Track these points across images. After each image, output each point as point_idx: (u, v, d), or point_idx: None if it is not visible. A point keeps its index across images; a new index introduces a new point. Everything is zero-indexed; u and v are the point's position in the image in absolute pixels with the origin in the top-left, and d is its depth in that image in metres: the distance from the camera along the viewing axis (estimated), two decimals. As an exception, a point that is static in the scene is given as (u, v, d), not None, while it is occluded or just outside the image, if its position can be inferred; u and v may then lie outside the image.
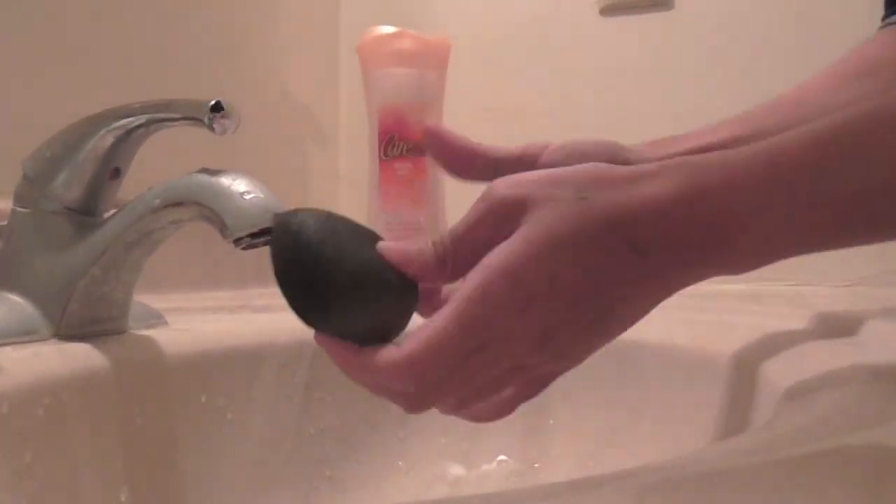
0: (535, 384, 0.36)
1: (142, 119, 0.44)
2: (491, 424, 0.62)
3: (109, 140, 0.45)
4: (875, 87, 0.44)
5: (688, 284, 0.32)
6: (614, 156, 0.40)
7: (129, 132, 0.45)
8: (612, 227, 0.30)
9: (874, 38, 0.54)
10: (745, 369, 0.45)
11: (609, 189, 0.30)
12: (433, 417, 0.63)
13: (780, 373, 0.39)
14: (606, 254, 0.30)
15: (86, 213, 0.46)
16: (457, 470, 0.61)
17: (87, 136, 0.45)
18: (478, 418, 0.37)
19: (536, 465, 0.59)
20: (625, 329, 0.33)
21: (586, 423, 0.59)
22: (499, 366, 0.32)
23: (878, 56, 0.49)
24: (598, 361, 0.59)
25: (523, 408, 0.61)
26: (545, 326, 0.31)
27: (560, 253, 0.30)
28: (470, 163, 0.40)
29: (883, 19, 0.55)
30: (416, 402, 0.33)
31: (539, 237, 0.30)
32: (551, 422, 0.60)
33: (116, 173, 0.47)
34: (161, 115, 0.44)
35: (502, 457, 0.61)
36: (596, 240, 0.30)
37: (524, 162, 0.40)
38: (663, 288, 0.31)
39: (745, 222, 0.29)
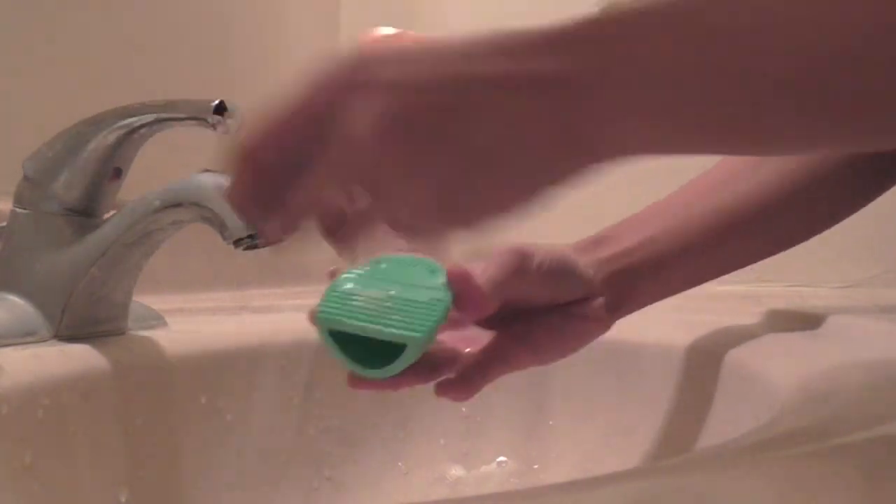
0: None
1: (144, 119, 0.44)
2: (491, 426, 0.62)
3: (111, 141, 0.45)
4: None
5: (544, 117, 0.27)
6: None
7: (131, 133, 0.45)
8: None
9: None
10: (744, 370, 0.45)
11: None
12: (434, 419, 0.63)
13: (779, 373, 0.39)
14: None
15: (86, 214, 0.46)
16: (457, 471, 0.61)
17: (88, 137, 0.45)
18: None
19: (536, 467, 0.60)
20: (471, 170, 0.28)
21: (586, 423, 0.59)
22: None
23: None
24: (599, 361, 0.59)
25: (523, 409, 0.61)
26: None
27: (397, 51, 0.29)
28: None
29: None
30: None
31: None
32: (551, 423, 0.60)
33: (117, 174, 0.47)
34: (163, 115, 0.44)
35: (502, 458, 0.61)
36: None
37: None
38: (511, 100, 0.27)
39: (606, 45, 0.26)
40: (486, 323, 0.41)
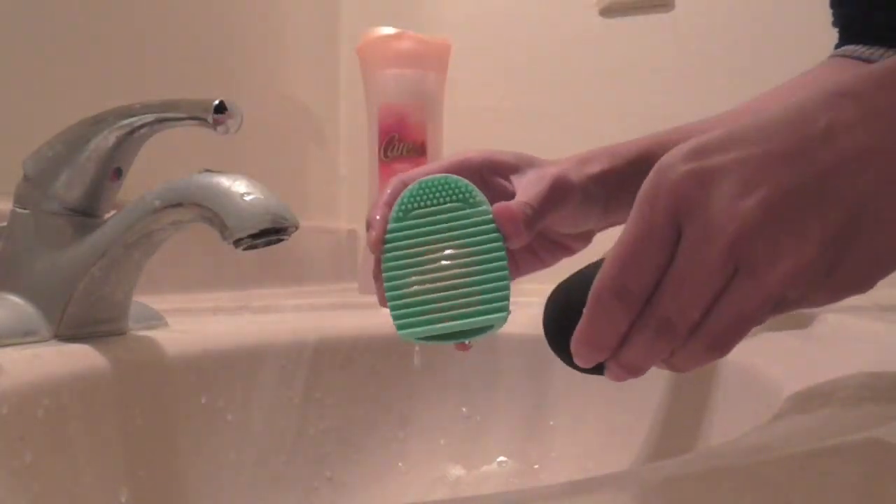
0: (762, 298, 0.29)
1: (144, 119, 0.44)
2: (491, 426, 0.62)
3: (112, 140, 0.45)
4: None
5: None
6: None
7: (132, 132, 0.45)
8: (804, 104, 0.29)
9: (826, 62, 0.57)
10: (744, 369, 0.45)
11: None
12: (433, 418, 0.63)
13: (780, 373, 0.39)
14: (803, 107, 0.28)
15: (86, 213, 0.46)
16: (457, 471, 0.61)
17: (89, 137, 0.45)
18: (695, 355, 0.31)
19: (536, 466, 0.60)
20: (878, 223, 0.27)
21: (586, 423, 0.59)
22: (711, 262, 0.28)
23: (827, 80, 0.53)
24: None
25: (523, 409, 0.61)
26: (751, 200, 0.27)
27: (750, 132, 0.28)
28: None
29: (836, 47, 0.60)
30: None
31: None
32: (551, 423, 0.60)
33: (118, 174, 0.47)
34: (163, 115, 0.44)
35: (502, 458, 0.61)
36: (785, 110, 0.29)
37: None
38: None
39: None
40: None
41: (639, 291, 0.30)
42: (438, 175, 0.39)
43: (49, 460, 0.37)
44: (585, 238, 0.46)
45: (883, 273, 0.29)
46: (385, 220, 0.39)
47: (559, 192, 0.41)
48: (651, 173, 0.30)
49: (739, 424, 0.41)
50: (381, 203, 0.40)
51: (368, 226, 0.39)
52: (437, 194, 0.39)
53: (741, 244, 0.28)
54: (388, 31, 0.93)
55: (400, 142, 0.91)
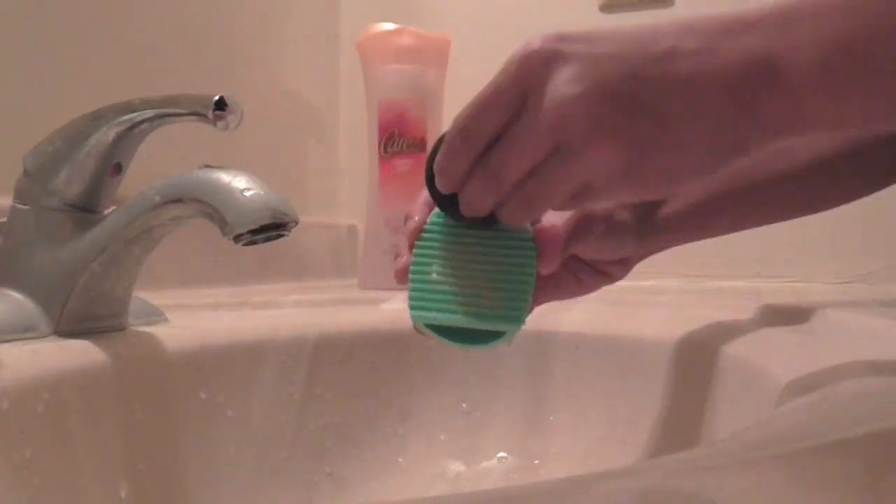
0: (576, 169, 0.33)
1: (144, 115, 0.44)
2: (491, 421, 0.62)
3: (112, 136, 0.45)
4: None
5: (736, 92, 0.30)
6: None
7: (132, 128, 0.45)
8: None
9: None
10: (744, 365, 0.45)
11: None
12: (433, 414, 0.63)
13: (779, 369, 0.39)
14: (658, 30, 0.32)
15: (86, 209, 0.46)
16: (457, 466, 0.61)
17: (89, 132, 0.45)
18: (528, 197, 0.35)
19: (536, 462, 0.60)
20: (687, 139, 0.31)
21: (586, 419, 0.59)
22: (537, 131, 0.32)
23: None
24: (599, 358, 0.59)
25: (523, 404, 0.62)
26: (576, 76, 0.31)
27: (609, 36, 0.32)
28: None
29: None
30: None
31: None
32: (551, 418, 0.60)
33: (118, 169, 0.47)
34: (163, 110, 0.44)
35: (502, 453, 0.61)
36: (645, 27, 0.32)
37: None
38: (711, 68, 0.30)
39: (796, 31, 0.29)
40: None
41: (478, 138, 0.34)
42: None
43: (49, 455, 0.37)
44: (624, 265, 0.46)
45: (672, 187, 0.33)
46: (425, 214, 0.40)
47: (582, 223, 0.43)
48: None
49: (739, 419, 0.41)
50: (422, 201, 0.41)
51: (407, 218, 0.41)
52: None
53: (558, 129, 0.32)
54: (389, 26, 0.93)
55: (400, 137, 0.91)
